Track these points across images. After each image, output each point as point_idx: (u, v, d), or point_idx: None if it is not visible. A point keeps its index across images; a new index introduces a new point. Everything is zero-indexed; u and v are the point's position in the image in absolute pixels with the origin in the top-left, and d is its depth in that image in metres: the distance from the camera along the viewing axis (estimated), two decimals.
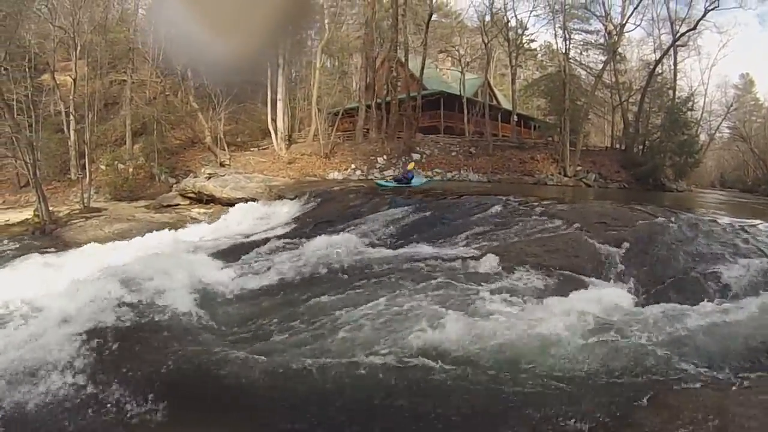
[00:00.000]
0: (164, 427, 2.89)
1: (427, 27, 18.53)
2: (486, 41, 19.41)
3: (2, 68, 15.49)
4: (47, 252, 10.56)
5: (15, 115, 16.75)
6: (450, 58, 21.29)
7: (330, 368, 3.08)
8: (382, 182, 12.78)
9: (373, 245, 6.55)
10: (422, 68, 17.47)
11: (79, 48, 19.66)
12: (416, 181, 12.38)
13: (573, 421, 2.52)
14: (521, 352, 3.06)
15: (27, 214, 16.96)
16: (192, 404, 3.07)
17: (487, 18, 20.09)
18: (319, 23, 18.76)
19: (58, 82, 20.08)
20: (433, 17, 19.32)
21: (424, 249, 6.04)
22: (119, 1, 24.21)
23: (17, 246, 12.47)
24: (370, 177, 16.08)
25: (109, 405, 3.07)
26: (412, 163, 14.23)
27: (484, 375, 2.88)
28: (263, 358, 3.33)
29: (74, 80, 19.57)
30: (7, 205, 20.46)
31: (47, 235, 13.68)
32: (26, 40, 20.70)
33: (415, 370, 2.97)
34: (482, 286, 4.22)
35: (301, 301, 4.50)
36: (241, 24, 1.14)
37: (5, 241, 13.04)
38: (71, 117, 19.48)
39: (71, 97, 19.55)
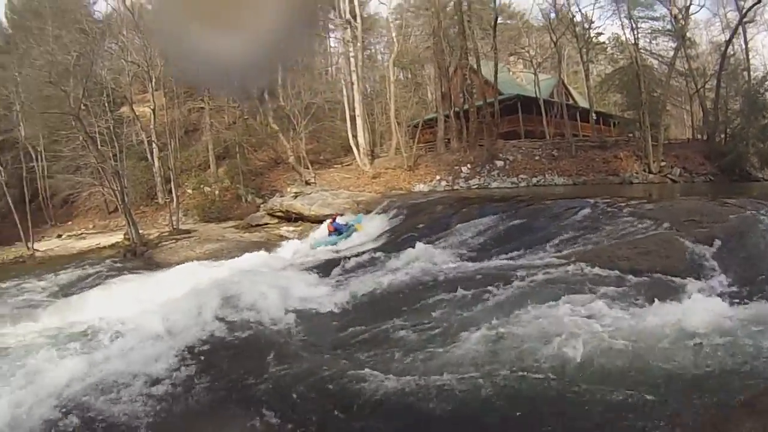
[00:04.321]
0: None
1: (494, 30, 18.20)
2: (554, 39, 18.84)
3: (82, 104, 16.40)
4: (139, 272, 10.98)
5: (99, 147, 17.74)
6: (521, 60, 20.85)
7: (419, 383, 3.07)
8: (319, 243, 10.71)
9: (463, 257, 6.52)
10: (495, 73, 17.16)
11: (154, 80, 20.58)
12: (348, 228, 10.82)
13: (667, 422, 2.53)
14: (615, 357, 3.05)
15: (117, 237, 17.84)
16: (285, 418, 3.05)
17: (552, 15, 19.55)
18: (387, 37, 18.88)
19: (137, 114, 21.12)
20: (499, 20, 18.97)
21: (514, 259, 5.97)
22: None
23: (110, 267, 13.06)
24: (455, 187, 15.89)
25: (200, 418, 3.18)
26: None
27: (578, 381, 2.89)
28: (356, 372, 3.35)
29: (153, 111, 20.57)
30: (97, 230, 21.71)
31: (139, 257, 14.26)
32: (102, 77, 21.99)
33: (512, 381, 2.97)
34: (575, 294, 4.17)
35: (393, 316, 4.52)
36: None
37: (99, 263, 13.74)
38: (154, 145, 20.47)
39: (152, 127, 20.58)
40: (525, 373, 3.02)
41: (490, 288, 4.62)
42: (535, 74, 18.32)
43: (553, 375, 2.99)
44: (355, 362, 3.62)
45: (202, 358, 3.90)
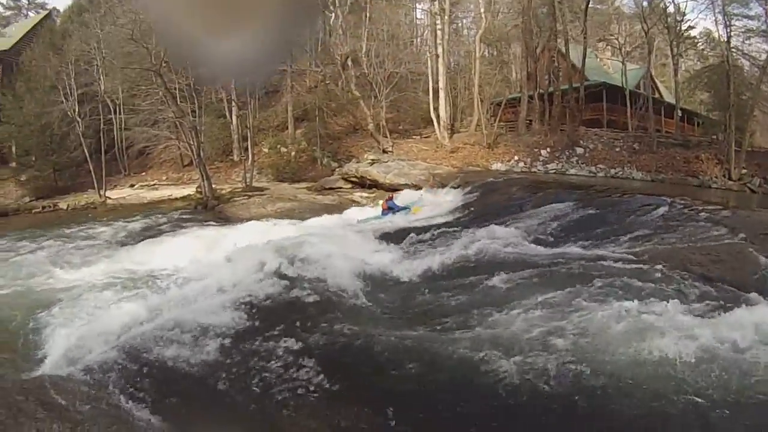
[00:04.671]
0: (307, 401, 2.91)
1: (585, 14, 17.75)
2: (645, 29, 18.18)
3: (163, 62, 17.11)
4: (209, 225, 11.52)
5: (178, 103, 18.51)
6: (609, 48, 20.29)
7: (476, 361, 3.06)
8: (368, 220, 10.61)
9: (534, 241, 6.43)
10: (584, 58, 16.81)
11: None
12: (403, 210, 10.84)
13: None
14: (671, 366, 2.96)
15: (189, 190, 18.71)
16: (340, 381, 3.05)
17: (645, 3, 18.83)
18: (475, 12, 18.74)
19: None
20: (590, 4, 18.45)
21: (586, 249, 5.83)
22: None
23: (179, 219, 13.68)
24: (533, 170, 15.89)
25: (256, 373, 3.14)
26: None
27: (632, 388, 2.82)
28: (415, 343, 3.33)
29: None
30: (170, 182, 22.77)
31: (209, 210, 14.92)
32: None
33: (561, 375, 2.89)
34: (643, 293, 4.05)
35: (457, 292, 4.50)
36: None
37: (168, 214, 14.46)
38: (233, 104, 21.22)
39: (232, 86, 21.22)
40: (568, 368, 2.97)
41: (554, 275, 4.55)
42: (623, 63, 17.82)
43: (599, 374, 2.94)
44: (408, 331, 3.66)
45: (263, 313, 3.88)
